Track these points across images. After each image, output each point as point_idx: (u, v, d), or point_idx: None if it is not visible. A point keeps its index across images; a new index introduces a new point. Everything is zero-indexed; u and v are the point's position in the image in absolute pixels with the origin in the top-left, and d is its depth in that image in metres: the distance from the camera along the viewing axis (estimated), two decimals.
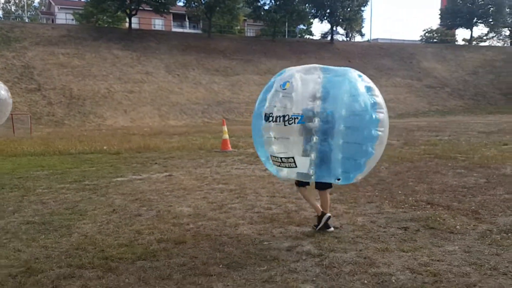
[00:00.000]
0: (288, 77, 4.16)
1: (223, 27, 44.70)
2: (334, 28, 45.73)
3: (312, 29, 54.05)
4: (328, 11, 42.96)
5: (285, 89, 4.04)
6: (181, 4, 39.18)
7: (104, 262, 3.62)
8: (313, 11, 44.26)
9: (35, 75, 26.60)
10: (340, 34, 52.33)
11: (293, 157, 4.00)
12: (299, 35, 49.02)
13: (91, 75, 28.21)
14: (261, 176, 7.62)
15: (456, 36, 58.88)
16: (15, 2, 66.55)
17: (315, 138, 3.89)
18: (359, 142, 3.91)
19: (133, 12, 35.88)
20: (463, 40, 57.90)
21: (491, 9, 48.72)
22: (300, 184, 4.43)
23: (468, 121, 23.36)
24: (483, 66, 44.58)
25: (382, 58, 44.37)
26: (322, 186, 4.40)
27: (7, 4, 64.72)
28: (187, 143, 13.12)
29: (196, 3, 36.34)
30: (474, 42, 53.61)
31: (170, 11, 39.89)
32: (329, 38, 47.10)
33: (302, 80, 4.05)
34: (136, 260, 3.69)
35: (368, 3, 44.93)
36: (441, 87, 39.75)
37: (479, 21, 50.47)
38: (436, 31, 58.76)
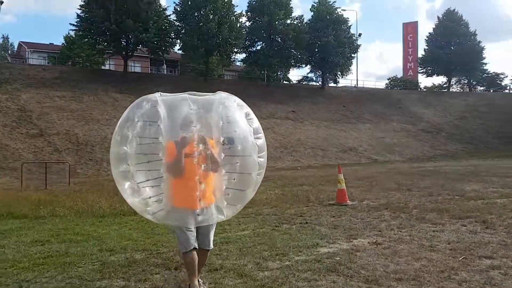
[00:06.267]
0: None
1: (202, 71, 41.46)
2: (326, 75, 46.39)
3: (289, 75, 53.90)
4: (320, 57, 43.65)
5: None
6: (177, 48, 38.33)
7: None
8: (304, 57, 44.79)
9: (34, 119, 24.22)
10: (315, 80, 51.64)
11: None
12: (283, 81, 48.93)
13: (94, 119, 26.15)
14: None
15: (420, 84, 61.90)
16: None
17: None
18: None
19: (129, 54, 34.56)
20: (436, 87, 60.79)
21: (468, 58, 51.32)
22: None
23: (497, 165, 22.52)
24: (469, 112, 46.25)
25: (373, 103, 45.06)
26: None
27: None
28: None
29: (194, 48, 35.57)
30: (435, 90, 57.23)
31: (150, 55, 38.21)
32: (308, 83, 47.88)
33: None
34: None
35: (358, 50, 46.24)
36: (436, 131, 40.49)
37: (457, 69, 53.10)
38: (400, 79, 61.39)
